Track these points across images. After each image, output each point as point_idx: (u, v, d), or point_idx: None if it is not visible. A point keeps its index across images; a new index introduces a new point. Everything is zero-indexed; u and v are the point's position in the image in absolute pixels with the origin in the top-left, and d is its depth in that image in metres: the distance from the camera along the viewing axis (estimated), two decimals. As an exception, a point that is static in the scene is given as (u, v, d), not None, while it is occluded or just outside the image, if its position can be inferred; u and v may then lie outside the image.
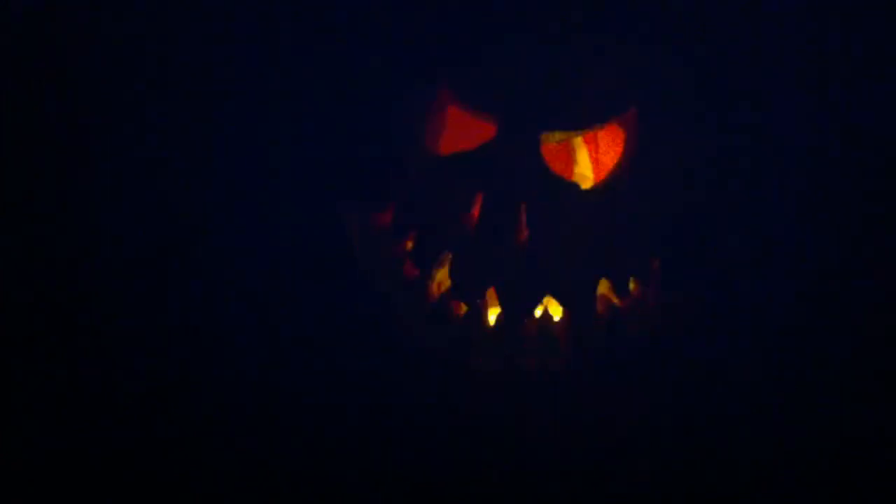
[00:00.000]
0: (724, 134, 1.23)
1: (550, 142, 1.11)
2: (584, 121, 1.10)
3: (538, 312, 1.12)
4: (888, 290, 1.25)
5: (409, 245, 1.13)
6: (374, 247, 1.15)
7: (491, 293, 1.12)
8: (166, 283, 1.29)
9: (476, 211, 1.10)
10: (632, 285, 1.11)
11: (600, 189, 1.11)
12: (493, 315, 1.15)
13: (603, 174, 1.18)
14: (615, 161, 1.14)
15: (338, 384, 1.21)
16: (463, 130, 1.15)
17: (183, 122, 1.32)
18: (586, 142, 1.24)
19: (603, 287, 1.11)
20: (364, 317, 1.20)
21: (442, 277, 1.13)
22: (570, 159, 1.25)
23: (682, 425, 1.16)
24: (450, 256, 1.11)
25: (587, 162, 1.24)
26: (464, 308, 1.12)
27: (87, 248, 1.31)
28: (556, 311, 1.14)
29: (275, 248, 1.29)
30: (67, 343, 1.25)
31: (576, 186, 1.11)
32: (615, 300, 1.12)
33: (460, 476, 1.12)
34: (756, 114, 1.27)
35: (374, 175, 1.15)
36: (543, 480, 1.12)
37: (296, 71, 1.30)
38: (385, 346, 1.19)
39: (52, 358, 1.24)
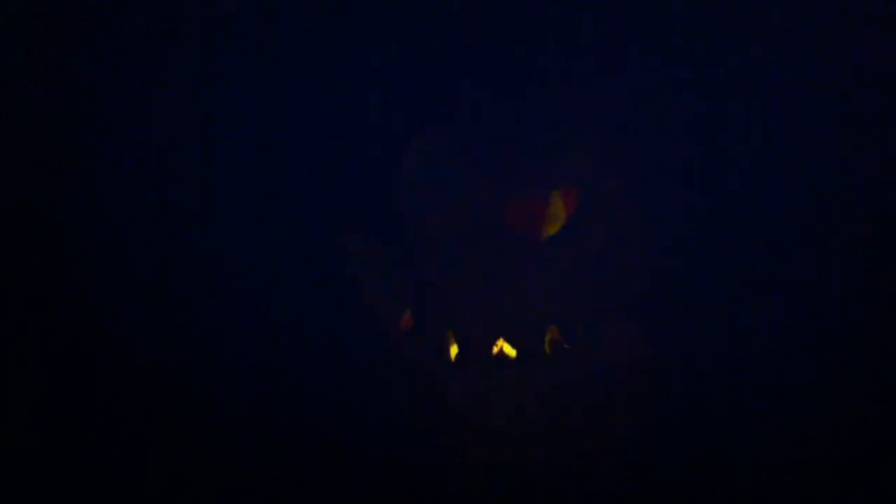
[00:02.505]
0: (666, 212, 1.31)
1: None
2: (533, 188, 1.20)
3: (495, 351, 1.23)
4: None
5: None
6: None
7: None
8: (163, 289, 1.34)
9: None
10: (580, 333, 1.22)
11: (549, 247, 1.21)
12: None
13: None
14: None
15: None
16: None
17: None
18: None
19: (554, 333, 1.22)
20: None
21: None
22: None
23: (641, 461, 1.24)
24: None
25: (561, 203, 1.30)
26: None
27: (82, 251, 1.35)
28: (512, 352, 1.24)
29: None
30: (66, 343, 1.30)
31: (528, 241, 1.21)
32: (566, 345, 1.23)
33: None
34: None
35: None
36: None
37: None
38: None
39: (50, 358, 1.29)
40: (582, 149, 1.24)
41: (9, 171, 1.36)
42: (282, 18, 1.37)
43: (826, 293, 1.31)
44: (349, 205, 1.32)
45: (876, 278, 1.31)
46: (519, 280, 1.19)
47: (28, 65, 1.36)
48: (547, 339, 1.20)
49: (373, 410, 1.26)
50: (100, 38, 1.36)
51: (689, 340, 1.28)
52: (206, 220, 1.36)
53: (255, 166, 1.37)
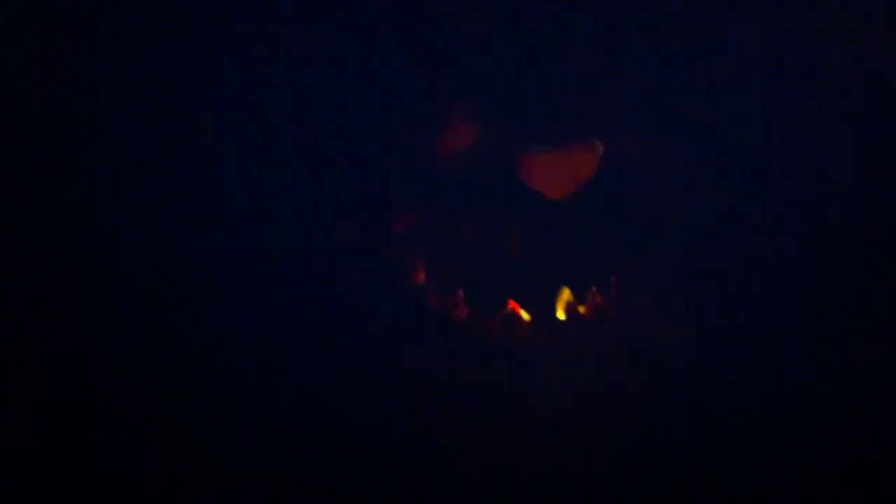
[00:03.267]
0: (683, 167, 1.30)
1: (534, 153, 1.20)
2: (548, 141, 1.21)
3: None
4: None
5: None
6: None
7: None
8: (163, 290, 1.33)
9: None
10: (595, 296, 1.22)
11: (564, 204, 1.21)
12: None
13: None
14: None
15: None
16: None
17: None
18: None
19: (567, 295, 1.22)
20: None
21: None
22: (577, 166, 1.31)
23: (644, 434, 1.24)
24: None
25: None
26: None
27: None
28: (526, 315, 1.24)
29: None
30: (66, 343, 1.30)
31: (541, 198, 1.21)
32: (580, 308, 1.23)
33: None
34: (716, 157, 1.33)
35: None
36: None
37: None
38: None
39: (50, 358, 1.29)
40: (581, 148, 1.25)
41: (9, 171, 1.35)
42: (282, 18, 1.38)
43: (826, 293, 1.31)
44: (349, 205, 1.32)
45: (876, 278, 1.31)
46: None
47: (28, 65, 1.37)
48: (560, 300, 1.20)
49: (373, 410, 1.26)
50: (100, 38, 1.36)
51: (690, 340, 1.28)
52: (206, 220, 1.35)
53: (255, 166, 1.37)
